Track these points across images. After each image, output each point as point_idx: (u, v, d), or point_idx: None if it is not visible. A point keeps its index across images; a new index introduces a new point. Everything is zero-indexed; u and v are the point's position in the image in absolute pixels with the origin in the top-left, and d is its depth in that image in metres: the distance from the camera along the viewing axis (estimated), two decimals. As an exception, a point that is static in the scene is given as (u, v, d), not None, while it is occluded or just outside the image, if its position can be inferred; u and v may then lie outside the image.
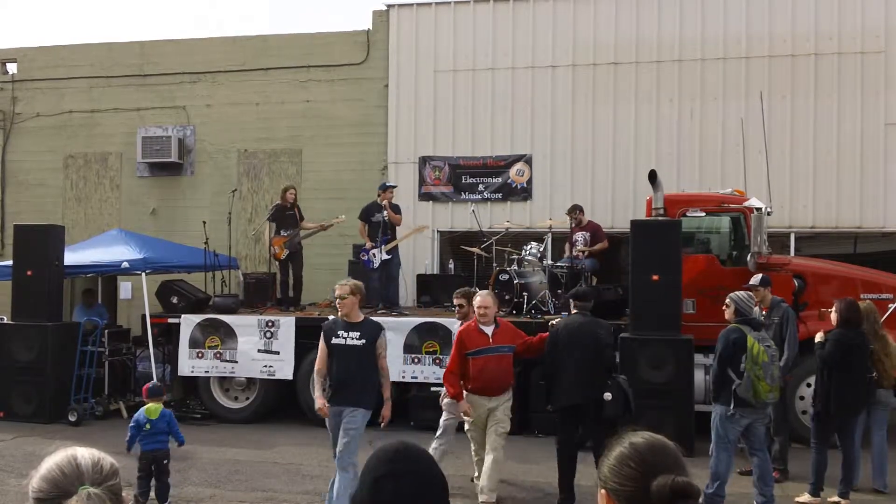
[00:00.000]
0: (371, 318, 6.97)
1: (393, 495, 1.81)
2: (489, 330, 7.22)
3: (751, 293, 7.22)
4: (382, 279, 11.31)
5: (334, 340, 6.67)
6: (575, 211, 11.71)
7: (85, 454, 1.81)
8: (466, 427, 7.53)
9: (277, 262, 12.15)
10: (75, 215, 15.50)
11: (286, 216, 12.04)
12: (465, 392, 7.31)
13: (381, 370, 6.75)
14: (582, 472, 8.33)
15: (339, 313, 6.73)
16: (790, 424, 8.80)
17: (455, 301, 8.13)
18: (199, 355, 11.11)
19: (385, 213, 11.21)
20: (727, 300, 7.02)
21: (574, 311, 7.62)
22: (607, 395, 7.11)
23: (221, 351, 11.05)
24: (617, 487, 1.81)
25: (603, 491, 1.84)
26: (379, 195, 11.40)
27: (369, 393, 6.69)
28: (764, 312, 8.18)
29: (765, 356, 6.67)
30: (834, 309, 7.44)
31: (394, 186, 11.76)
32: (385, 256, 11.22)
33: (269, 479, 8.21)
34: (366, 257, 11.35)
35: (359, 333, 6.64)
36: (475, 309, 7.27)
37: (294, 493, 7.71)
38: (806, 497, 7.34)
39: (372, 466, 1.88)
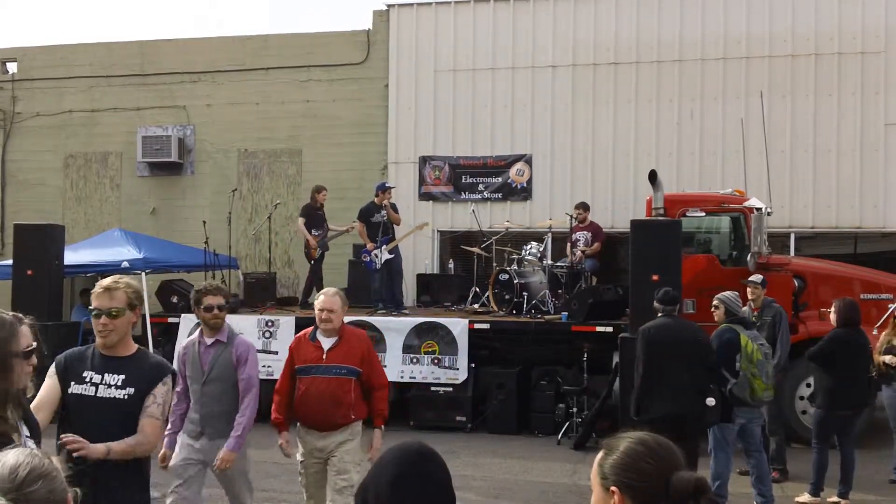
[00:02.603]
0: (149, 351, 4.10)
1: (413, 495, 1.82)
2: (328, 343, 5.33)
3: (737, 293, 7.21)
4: (385, 279, 11.31)
5: (74, 387, 3.64)
6: (579, 208, 11.75)
7: (9, 459, 1.75)
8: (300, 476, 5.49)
9: (310, 263, 12.19)
10: (75, 215, 15.50)
11: (316, 216, 12.09)
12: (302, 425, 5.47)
13: (142, 432, 3.61)
14: (582, 473, 8.35)
15: (99, 341, 3.75)
16: (785, 424, 8.81)
17: (208, 301, 5.26)
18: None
19: (384, 212, 11.22)
20: (715, 301, 7.03)
21: (660, 314, 6.83)
22: (710, 401, 6.48)
23: None
24: (633, 484, 1.83)
25: (613, 488, 1.84)
26: (377, 195, 11.39)
27: (143, 482, 3.85)
28: (755, 312, 8.20)
29: (759, 354, 6.70)
30: (833, 309, 7.47)
31: (392, 187, 11.77)
32: (388, 256, 11.21)
33: (269, 479, 8.21)
34: (367, 258, 11.30)
35: (122, 377, 3.66)
36: (316, 311, 5.37)
37: (294, 493, 7.69)
38: (806, 497, 7.35)
39: (393, 463, 1.88)
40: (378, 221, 11.21)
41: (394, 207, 11.52)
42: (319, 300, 5.35)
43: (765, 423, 7.88)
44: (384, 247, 11.19)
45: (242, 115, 14.86)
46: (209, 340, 5.30)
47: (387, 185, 11.67)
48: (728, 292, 7.09)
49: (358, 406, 5.37)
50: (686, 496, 1.78)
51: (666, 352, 6.52)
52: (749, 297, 8.26)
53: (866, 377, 7.51)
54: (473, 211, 12.54)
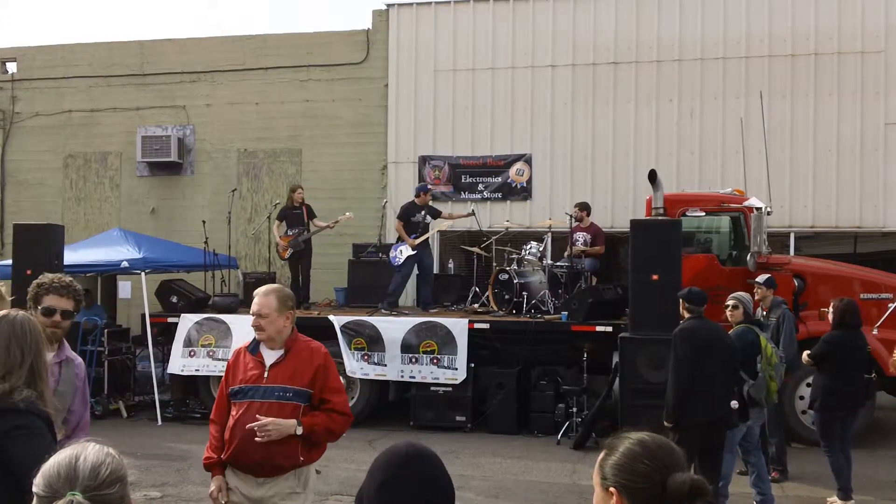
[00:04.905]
0: None
1: (400, 499, 1.80)
2: (271, 357, 4.11)
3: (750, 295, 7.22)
4: (405, 279, 11.42)
5: None
6: (577, 208, 11.75)
7: (90, 456, 1.75)
8: None
9: (287, 261, 12.22)
10: (75, 215, 15.48)
11: (293, 215, 12.09)
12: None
13: None
14: (582, 473, 8.35)
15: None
16: (784, 425, 8.77)
17: (49, 302, 3.93)
18: (192, 354, 11.09)
19: (424, 212, 11.45)
20: (732, 301, 6.94)
21: (688, 315, 6.61)
22: (734, 404, 6.41)
23: (214, 350, 11.00)
24: (629, 485, 1.83)
25: (612, 489, 1.84)
26: (419, 196, 11.61)
27: None
28: (764, 313, 8.18)
29: (775, 357, 6.73)
30: (831, 309, 7.44)
31: (432, 189, 12.26)
32: (410, 252, 11.23)
33: None
34: (393, 254, 11.45)
35: None
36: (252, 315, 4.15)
37: (294, 492, 7.70)
38: (837, 502, 7.21)
39: (381, 467, 1.87)
40: (417, 221, 11.37)
41: (432, 210, 11.68)
42: (253, 301, 4.15)
43: (764, 423, 7.87)
44: (406, 245, 11.29)
45: (242, 115, 14.85)
46: (53, 358, 3.66)
47: (428, 186, 12.10)
48: (744, 293, 7.10)
49: (310, 445, 4.09)
50: (682, 498, 1.77)
51: (703, 354, 6.39)
52: (756, 297, 8.25)
53: (862, 378, 7.50)
54: (473, 211, 12.43)
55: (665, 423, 6.30)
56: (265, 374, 4.05)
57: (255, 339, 4.18)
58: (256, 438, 3.88)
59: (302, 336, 4.23)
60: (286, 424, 3.92)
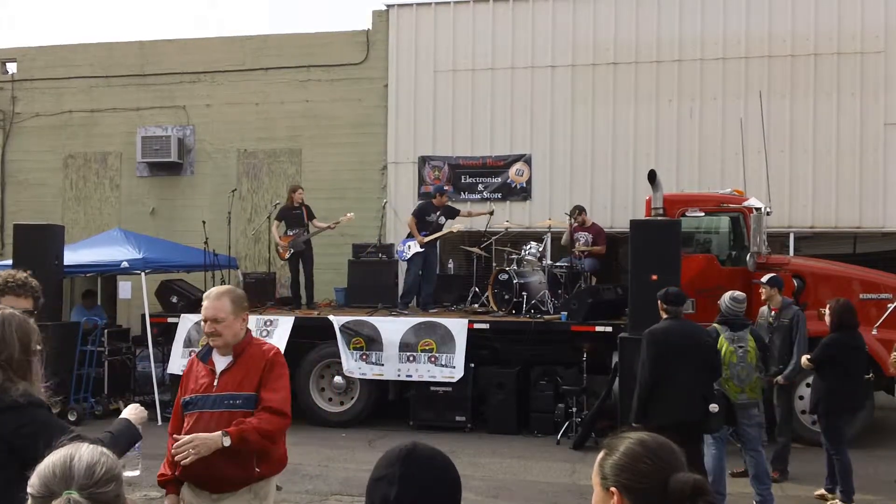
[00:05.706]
0: None
1: (390, 497, 1.80)
2: (221, 363, 3.87)
3: (736, 295, 7.13)
4: (416, 276, 11.46)
5: None
6: (576, 212, 11.75)
7: (84, 455, 1.76)
8: None
9: (287, 262, 12.21)
10: (75, 215, 15.49)
11: (292, 215, 12.07)
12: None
13: None
14: (581, 472, 8.35)
15: None
16: (793, 426, 8.75)
17: (7, 303, 3.67)
18: (192, 354, 11.04)
19: (440, 213, 11.51)
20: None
21: (665, 315, 6.57)
22: (714, 407, 6.32)
23: None
24: (630, 484, 1.83)
25: (613, 489, 1.84)
26: (436, 197, 11.74)
27: None
28: (773, 313, 8.15)
29: (733, 357, 6.67)
30: (827, 311, 7.41)
31: (448, 190, 12.50)
32: (418, 249, 11.28)
33: None
34: (401, 248, 11.57)
35: None
36: (204, 321, 3.90)
37: (294, 492, 7.71)
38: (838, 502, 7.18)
39: (378, 465, 1.87)
40: (431, 221, 11.45)
41: (448, 211, 11.71)
42: (203, 305, 3.91)
43: (775, 423, 7.87)
44: (415, 241, 11.37)
45: (242, 116, 14.86)
46: None
47: (445, 188, 12.25)
48: (728, 292, 7.09)
49: (266, 455, 3.82)
50: (683, 498, 1.77)
51: (673, 356, 6.33)
52: (763, 297, 8.24)
53: (862, 379, 7.50)
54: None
55: (633, 425, 6.24)
56: (215, 383, 3.79)
57: (206, 345, 3.94)
58: (182, 461, 3.54)
59: (256, 339, 4.00)
60: (212, 438, 3.56)
